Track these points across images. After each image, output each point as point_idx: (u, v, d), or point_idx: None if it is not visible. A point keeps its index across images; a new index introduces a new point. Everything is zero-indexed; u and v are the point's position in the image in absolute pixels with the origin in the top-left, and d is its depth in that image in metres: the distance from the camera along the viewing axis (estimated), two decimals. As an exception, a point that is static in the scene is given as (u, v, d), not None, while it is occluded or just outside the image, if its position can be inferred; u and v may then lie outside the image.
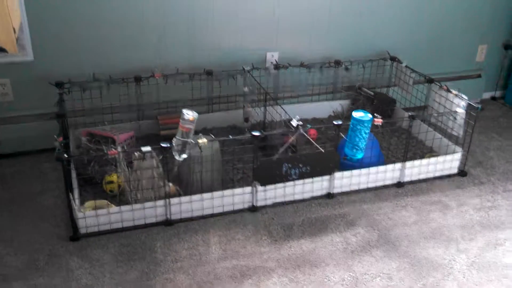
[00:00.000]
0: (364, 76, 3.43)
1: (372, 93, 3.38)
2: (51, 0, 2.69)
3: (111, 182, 2.50)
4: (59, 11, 2.73)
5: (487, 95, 4.04)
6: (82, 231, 2.27)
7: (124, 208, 2.28)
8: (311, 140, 2.42)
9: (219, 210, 2.46)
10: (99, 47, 2.87)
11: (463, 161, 2.91)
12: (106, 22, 2.83)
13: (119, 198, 2.47)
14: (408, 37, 3.52)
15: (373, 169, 2.68)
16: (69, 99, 2.80)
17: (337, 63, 3.28)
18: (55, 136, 2.21)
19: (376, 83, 3.50)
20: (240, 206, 2.50)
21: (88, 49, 2.85)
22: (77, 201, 2.26)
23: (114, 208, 2.28)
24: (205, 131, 3.13)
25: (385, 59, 3.43)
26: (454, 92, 2.86)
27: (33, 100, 2.86)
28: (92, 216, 2.24)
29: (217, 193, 2.41)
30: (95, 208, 2.29)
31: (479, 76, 3.87)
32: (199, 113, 3.07)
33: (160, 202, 2.33)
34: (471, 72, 3.84)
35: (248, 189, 2.46)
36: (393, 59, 3.41)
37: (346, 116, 3.43)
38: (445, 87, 2.94)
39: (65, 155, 2.10)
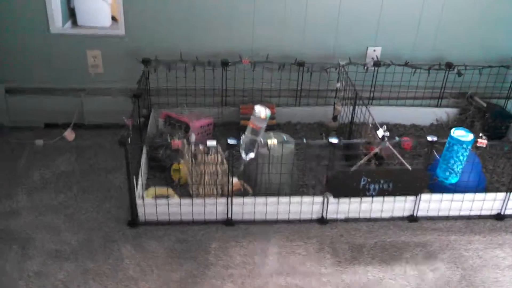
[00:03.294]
0: (478, 83, 2.99)
1: (484, 104, 2.94)
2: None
3: (179, 170, 2.40)
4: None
5: None
6: (141, 218, 2.21)
7: (184, 201, 2.18)
8: (397, 154, 2.12)
9: (285, 217, 2.27)
10: (189, 27, 2.77)
11: None
12: (198, 2, 2.70)
13: (183, 188, 2.37)
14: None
15: (469, 196, 2.32)
16: (155, 78, 2.74)
17: (449, 66, 2.88)
18: (124, 118, 2.14)
19: (493, 93, 3.05)
20: (307, 216, 2.29)
21: (178, 28, 2.77)
22: (139, 187, 2.19)
23: (173, 200, 2.18)
24: (289, 125, 2.95)
25: (507, 67, 2.96)
26: None
27: (121, 74, 2.85)
28: (151, 204, 2.17)
29: (283, 199, 2.22)
30: (158, 196, 2.22)
31: None
32: (286, 105, 2.93)
33: (222, 200, 2.19)
34: None
35: (318, 199, 2.24)
36: (517, 67, 2.94)
37: (450, 126, 3.03)
38: None
39: (128, 140, 2.02)
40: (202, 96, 2.88)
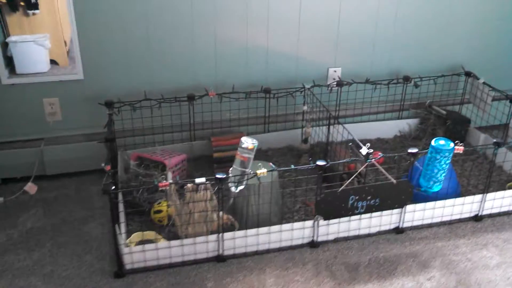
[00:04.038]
0: (435, 93, 3.11)
1: (444, 112, 3.06)
2: (102, 17, 2.55)
3: (160, 211, 2.32)
4: (110, 29, 2.59)
5: None
6: (128, 266, 2.10)
7: (174, 243, 2.09)
8: (382, 170, 2.15)
9: (276, 245, 2.24)
10: (150, 65, 2.71)
11: (552, 192, 2.57)
12: (158, 40, 2.66)
13: (168, 229, 2.28)
14: (484, 51, 3.18)
15: (449, 202, 2.38)
16: (119, 119, 2.66)
17: (406, 79, 2.99)
18: (103, 164, 2.05)
19: (448, 101, 3.19)
20: (299, 242, 2.26)
21: (140, 67, 2.70)
22: (123, 236, 2.09)
23: (162, 243, 2.09)
24: (260, 152, 2.92)
25: (458, 75, 3.11)
26: (544, 114, 2.53)
27: (81, 120, 2.74)
28: (139, 251, 2.07)
29: (274, 227, 2.18)
30: (142, 241, 2.12)
31: None
32: (255, 133, 2.91)
33: (213, 237, 2.13)
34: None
35: (309, 223, 2.22)
36: (468, 74, 3.08)
37: (413, 136, 3.13)
38: (532, 109, 2.60)
39: (113, 188, 1.92)
40: (170, 133, 2.82)
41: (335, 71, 2.98)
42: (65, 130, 2.74)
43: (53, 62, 2.63)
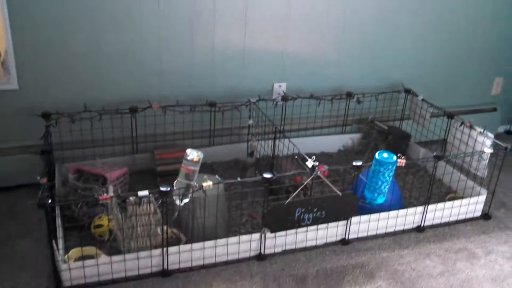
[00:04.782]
0: (376, 108, 3.19)
1: (385, 127, 3.14)
2: (39, 27, 2.44)
3: (101, 226, 2.21)
4: (48, 38, 2.47)
5: (501, 129, 3.84)
6: (66, 283, 1.98)
7: (115, 258, 2.00)
8: (328, 183, 2.16)
9: (223, 259, 2.18)
10: (91, 76, 2.61)
11: (487, 204, 2.67)
12: (100, 50, 2.58)
13: (109, 244, 2.18)
14: (422, 68, 3.31)
15: (393, 213, 2.42)
16: (57, 131, 2.54)
17: (349, 95, 3.05)
18: (38, 177, 1.93)
19: (389, 116, 3.27)
20: (246, 255, 2.22)
21: (79, 78, 2.60)
22: (61, 251, 1.97)
23: (103, 259, 1.99)
24: (205, 166, 2.87)
25: (399, 92, 3.21)
26: (479, 129, 2.63)
27: (15, 132, 2.59)
28: (79, 267, 1.95)
29: (221, 241, 2.13)
30: (82, 257, 2.01)
31: (495, 109, 3.66)
32: (200, 146, 2.86)
33: (157, 251, 2.05)
34: (486, 105, 3.64)
35: (256, 236, 2.19)
36: (407, 91, 3.19)
37: (356, 151, 3.19)
38: (468, 124, 2.71)
39: (49, 202, 1.81)
40: (111, 146, 2.72)
41: (280, 86, 2.99)
42: (-2, 143, 2.59)
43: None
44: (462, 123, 2.75)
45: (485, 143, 2.58)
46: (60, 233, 2.06)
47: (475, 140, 2.65)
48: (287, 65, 2.97)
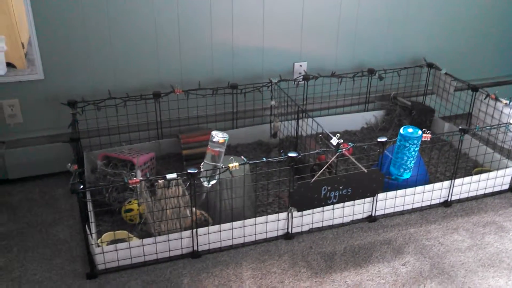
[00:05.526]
0: (399, 84, 3.17)
1: (409, 103, 3.11)
2: (62, 15, 2.47)
3: (131, 210, 2.26)
4: (71, 26, 2.51)
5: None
6: (100, 267, 2.03)
7: (147, 241, 2.04)
8: (353, 160, 2.16)
9: (251, 239, 2.21)
10: (114, 63, 2.65)
11: (516, 176, 2.65)
12: (121, 36, 2.61)
13: (140, 227, 2.23)
14: (444, 41, 3.26)
15: (419, 189, 2.41)
16: (83, 119, 2.58)
17: (371, 71, 3.03)
18: (69, 164, 1.98)
19: (412, 92, 3.24)
20: (274, 234, 2.25)
21: (103, 65, 2.63)
22: (94, 236, 2.02)
23: (135, 241, 2.04)
24: (229, 148, 2.90)
25: (421, 66, 3.17)
26: (504, 101, 2.60)
27: (44, 121, 2.64)
28: (112, 251, 2.01)
29: (248, 221, 2.16)
30: (114, 241, 2.06)
31: (520, 81, 3.60)
32: (223, 129, 2.89)
33: (186, 233, 2.09)
34: (511, 77, 3.57)
35: (283, 215, 2.21)
36: (430, 65, 3.15)
37: (380, 128, 3.17)
38: (493, 96, 2.67)
39: (81, 187, 1.86)
40: (137, 131, 2.76)
41: (301, 66, 2.99)
42: (27, 132, 2.64)
43: (9, 65, 2.53)
44: (487, 95, 2.72)
45: (511, 115, 2.54)
46: (92, 218, 2.11)
47: (501, 112, 2.62)
48: (307, 44, 2.96)
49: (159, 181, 1.98)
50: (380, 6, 3.02)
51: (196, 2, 2.66)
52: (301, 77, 2.90)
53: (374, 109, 3.22)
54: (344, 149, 2.14)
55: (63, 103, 2.54)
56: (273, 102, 2.83)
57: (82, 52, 2.57)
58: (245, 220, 2.15)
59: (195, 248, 2.13)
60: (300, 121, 2.61)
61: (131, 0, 2.55)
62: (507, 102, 2.59)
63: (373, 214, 2.39)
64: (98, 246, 2.01)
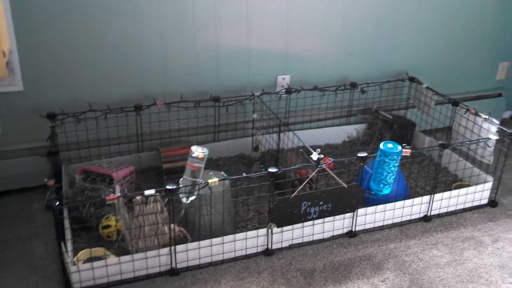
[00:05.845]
0: (381, 98, 3.18)
1: (390, 117, 3.13)
2: (43, 27, 2.44)
3: (109, 226, 2.23)
4: (52, 38, 2.47)
5: (507, 114, 3.81)
6: (76, 286, 2.00)
7: (124, 258, 2.02)
8: (333, 175, 2.16)
9: (231, 255, 2.20)
10: (95, 75, 2.62)
11: (494, 191, 2.66)
12: (103, 48, 2.58)
13: (117, 244, 2.20)
14: (426, 56, 3.29)
15: (399, 204, 2.42)
16: (62, 131, 2.55)
17: (353, 85, 3.04)
18: (45, 180, 1.95)
19: (393, 106, 3.26)
20: (253, 250, 2.23)
21: (84, 77, 2.60)
22: (70, 253, 1.99)
23: (112, 259, 2.01)
24: (211, 161, 2.88)
25: (403, 80, 3.19)
26: (484, 116, 2.62)
27: (22, 134, 2.60)
28: (88, 269, 1.97)
29: (228, 237, 2.15)
30: (91, 258, 2.03)
31: (500, 95, 3.63)
32: (205, 142, 2.87)
33: (165, 250, 2.06)
34: (491, 91, 3.61)
35: (262, 231, 2.20)
36: (412, 79, 3.17)
37: (362, 141, 3.18)
38: (473, 111, 2.69)
39: (57, 203, 1.83)
40: (117, 144, 2.73)
41: (283, 79, 2.99)
42: (5, 145, 2.59)
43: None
44: (467, 110, 2.74)
45: (491, 130, 2.57)
46: (68, 234, 2.08)
47: (480, 126, 2.64)
48: (290, 58, 2.96)
49: (137, 197, 1.96)
50: (364, 21, 3.04)
51: (180, 13, 2.64)
52: (284, 90, 2.90)
53: (356, 122, 3.23)
54: (324, 164, 2.14)
55: (42, 115, 2.50)
56: (255, 115, 2.82)
57: (62, 64, 2.54)
58: (225, 237, 2.14)
59: (173, 265, 2.11)
60: (281, 134, 2.61)
61: (113, 11, 2.53)
62: (486, 117, 2.61)
63: (353, 230, 2.39)
64: (74, 264, 1.98)
